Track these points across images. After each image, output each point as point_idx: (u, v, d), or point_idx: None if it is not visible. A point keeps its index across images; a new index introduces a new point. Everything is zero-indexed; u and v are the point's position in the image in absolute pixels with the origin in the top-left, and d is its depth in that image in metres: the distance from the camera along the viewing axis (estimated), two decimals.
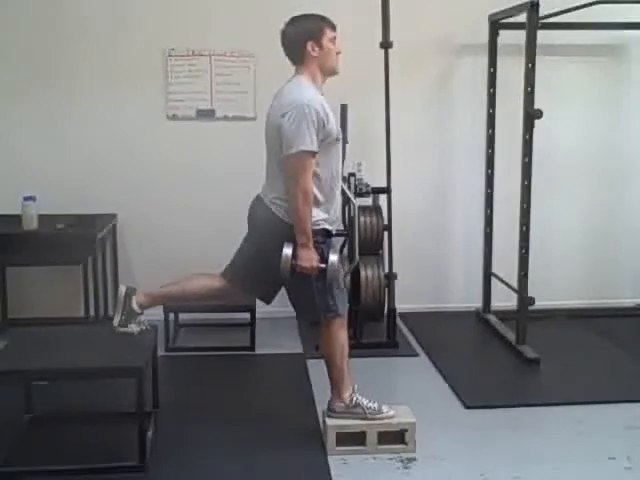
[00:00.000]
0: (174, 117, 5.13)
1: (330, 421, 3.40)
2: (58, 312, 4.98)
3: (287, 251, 3.20)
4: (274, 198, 3.30)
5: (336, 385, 3.43)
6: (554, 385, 4.16)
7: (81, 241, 4.51)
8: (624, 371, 4.35)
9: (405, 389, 4.18)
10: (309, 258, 3.20)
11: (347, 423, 3.38)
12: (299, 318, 3.51)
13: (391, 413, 3.42)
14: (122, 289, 3.56)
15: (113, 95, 5.05)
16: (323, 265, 3.24)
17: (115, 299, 5.04)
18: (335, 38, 3.32)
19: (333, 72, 3.37)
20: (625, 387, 4.10)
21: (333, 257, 3.25)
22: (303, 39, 3.25)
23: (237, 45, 5.07)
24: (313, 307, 3.35)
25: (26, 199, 4.55)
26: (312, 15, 3.36)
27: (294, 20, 3.34)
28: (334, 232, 3.41)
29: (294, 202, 3.15)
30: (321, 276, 3.26)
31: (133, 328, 3.49)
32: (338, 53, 3.34)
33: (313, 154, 3.14)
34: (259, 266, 3.40)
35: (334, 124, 3.25)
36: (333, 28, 3.33)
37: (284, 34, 3.32)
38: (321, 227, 3.29)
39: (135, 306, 3.50)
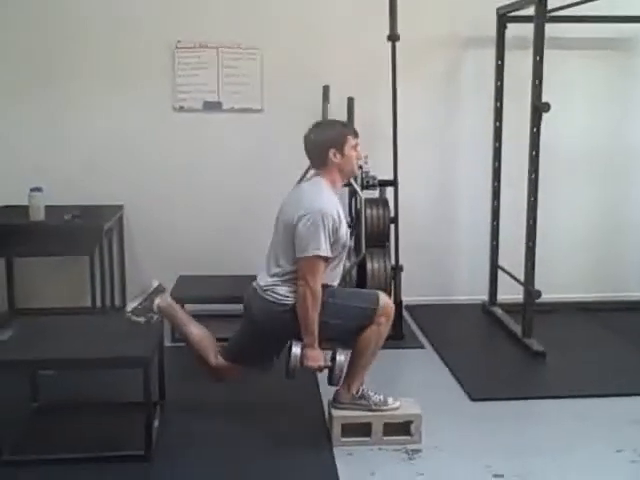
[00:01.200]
0: (181, 109, 5.13)
1: (336, 412, 3.41)
2: (65, 302, 5.00)
3: (295, 350, 3.27)
4: (268, 285, 3.34)
5: (352, 377, 3.43)
6: (560, 378, 4.16)
7: (88, 232, 4.51)
8: (630, 364, 4.34)
9: (411, 381, 4.18)
10: (316, 358, 3.29)
11: (353, 414, 3.39)
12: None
13: (396, 405, 3.43)
14: (155, 283, 3.60)
15: (120, 87, 5.06)
16: (330, 364, 3.32)
17: (122, 290, 5.11)
18: (357, 145, 3.39)
19: (352, 175, 3.58)
20: (631, 380, 4.10)
21: (340, 357, 3.31)
22: (326, 146, 3.32)
23: (244, 37, 5.07)
24: (354, 330, 3.37)
25: (33, 190, 4.55)
26: (335, 122, 3.51)
27: (318, 126, 3.44)
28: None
29: (303, 303, 3.22)
30: (341, 312, 3.32)
31: (140, 320, 3.50)
32: (358, 159, 3.43)
33: (326, 259, 3.23)
34: (259, 346, 3.48)
35: (345, 231, 3.33)
36: (355, 135, 3.41)
37: (308, 139, 3.39)
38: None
39: (155, 305, 3.53)
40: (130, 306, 3.54)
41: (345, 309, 3.34)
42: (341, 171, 3.37)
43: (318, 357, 3.29)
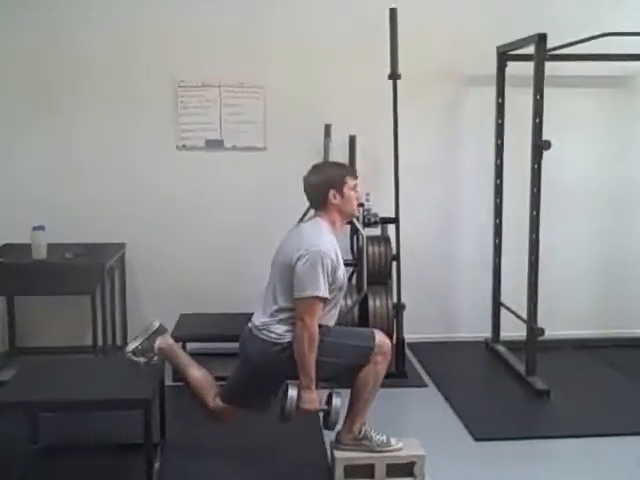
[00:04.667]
0: (183, 147, 5.16)
1: (338, 453, 3.38)
2: (66, 341, 4.98)
3: (292, 393, 3.26)
4: (263, 324, 3.34)
5: (353, 417, 3.40)
6: (564, 417, 4.12)
7: (90, 271, 4.51)
8: (635, 403, 4.31)
9: (414, 421, 4.15)
10: (312, 401, 3.26)
11: (355, 455, 3.37)
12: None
13: (399, 445, 3.40)
14: (156, 324, 3.59)
15: (123, 125, 5.09)
16: (326, 407, 3.30)
17: (124, 329, 5.09)
18: (356, 186, 3.42)
19: (352, 216, 3.57)
20: (637, 419, 4.06)
21: (337, 400, 3.30)
22: (326, 187, 3.34)
23: (246, 76, 5.11)
24: (351, 367, 3.37)
25: (35, 228, 4.56)
26: (334, 164, 3.52)
27: (317, 168, 3.47)
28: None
29: (300, 344, 3.21)
30: (337, 352, 3.32)
31: (141, 360, 3.49)
32: (357, 199, 3.44)
33: (324, 300, 3.23)
34: (256, 387, 3.46)
35: (342, 273, 3.34)
36: (354, 176, 3.44)
37: (307, 181, 3.42)
38: None
39: (155, 345, 3.52)
40: (130, 346, 3.53)
41: (341, 348, 3.33)
42: (341, 212, 3.38)
43: (315, 400, 3.27)
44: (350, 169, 3.51)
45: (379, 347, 3.36)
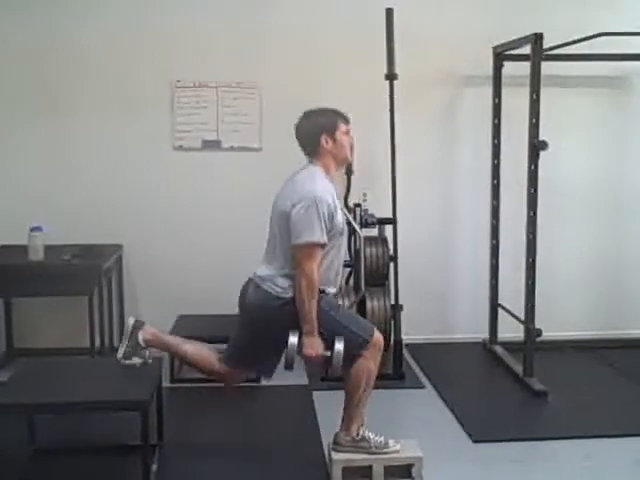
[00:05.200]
0: (180, 148, 5.15)
1: (336, 455, 3.37)
2: (64, 343, 4.98)
3: (293, 340, 3.22)
4: (270, 276, 3.32)
5: (349, 418, 3.39)
6: (562, 418, 4.12)
7: (87, 272, 4.51)
8: (632, 404, 4.31)
9: (412, 422, 4.15)
10: (314, 346, 3.23)
11: (353, 457, 3.36)
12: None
13: (397, 447, 3.40)
14: (130, 321, 3.55)
15: (119, 126, 5.08)
16: (328, 353, 3.25)
17: (121, 330, 5.08)
18: (349, 131, 3.40)
19: (346, 162, 3.51)
20: (634, 420, 4.06)
21: (339, 345, 3.25)
22: (318, 133, 3.32)
23: (243, 76, 5.10)
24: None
25: (33, 230, 4.56)
26: (326, 109, 3.44)
27: (308, 114, 3.43)
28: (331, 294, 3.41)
29: (299, 291, 3.19)
30: (332, 325, 3.27)
31: (136, 360, 3.47)
32: (351, 145, 3.41)
33: (322, 246, 3.20)
34: (258, 346, 3.43)
35: (341, 218, 3.31)
36: (346, 121, 3.41)
37: (298, 128, 3.40)
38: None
39: (141, 340, 3.49)
40: (120, 352, 3.49)
41: (337, 326, 3.29)
42: (334, 157, 3.36)
43: (317, 345, 3.23)
44: (342, 114, 3.41)
45: (376, 340, 3.35)
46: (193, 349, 3.57)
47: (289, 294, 3.25)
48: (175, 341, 3.62)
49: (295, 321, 3.23)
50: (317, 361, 3.26)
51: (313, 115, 3.41)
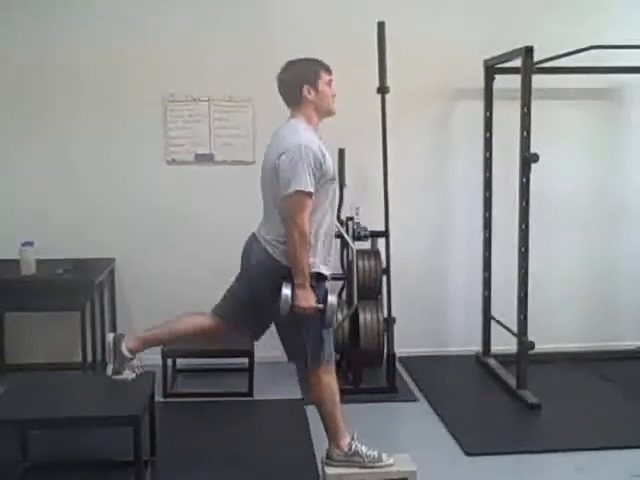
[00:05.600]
0: (173, 161, 5.15)
1: (329, 470, 3.36)
2: (56, 358, 4.97)
3: (286, 291, 3.19)
4: (270, 239, 3.30)
5: (331, 433, 3.39)
6: (555, 431, 4.11)
7: (79, 287, 4.50)
8: (626, 416, 4.31)
9: (405, 436, 4.14)
10: (307, 298, 3.19)
11: (346, 472, 3.35)
12: (290, 361, 3.53)
13: (391, 461, 3.39)
14: (109, 337, 3.54)
15: (112, 140, 5.08)
16: (321, 305, 3.23)
17: (106, 349, 5.07)
18: (331, 81, 3.37)
19: (329, 113, 3.43)
20: (628, 433, 4.06)
21: (332, 298, 3.24)
22: (299, 83, 3.30)
23: (235, 90, 5.11)
24: (303, 353, 3.34)
25: (24, 245, 4.55)
26: (307, 59, 3.41)
27: (289, 65, 3.40)
28: (329, 276, 3.38)
29: (291, 242, 3.16)
30: (316, 321, 3.24)
31: (127, 374, 3.46)
32: (333, 96, 3.38)
33: (310, 195, 3.16)
34: (251, 304, 3.41)
35: (331, 164, 3.28)
36: (328, 71, 3.39)
37: (280, 79, 3.38)
38: (314, 270, 3.27)
39: (125, 352, 3.47)
40: (109, 370, 3.48)
41: (315, 332, 3.29)
42: (317, 108, 3.33)
43: (310, 297, 3.20)
44: (324, 63, 3.39)
45: (330, 363, 3.36)
46: (177, 324, 3.57)
47: (286, 260, 3.23)
48: (157, 331, 3.59)
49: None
50: (309, 313, 3.21)
51: (294, 66, 3.38)
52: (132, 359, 3.49)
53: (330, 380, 3.36)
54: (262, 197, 3.44)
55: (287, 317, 3.22)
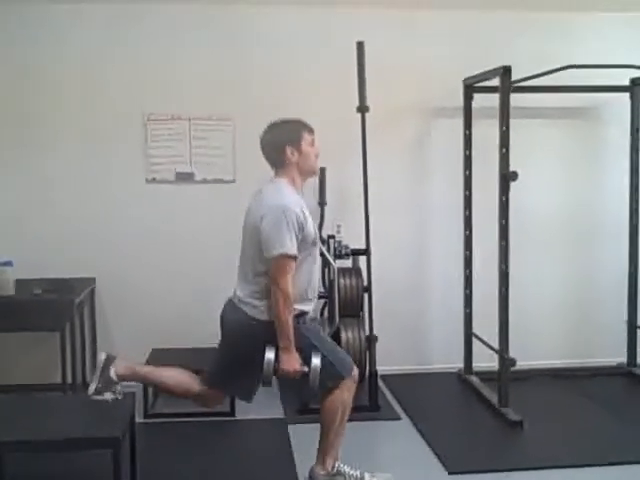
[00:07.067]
0: (153, 180, 5.14)
1: None
2: (35, 379, 4.91)
3: (269, 355, 3.20)
4: (246, 297, 3.30)
5: (324, 452, 3.38)
6: (538, 448, 4.10)
7: (58, 307, 4.46)
8: (608, 432, 4.32)
9: (387, 454, 4.12)
10: (291, 362, 3.21)
11: None
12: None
13: None
14: (102, 356, 3.49)
15: (92, 159, 5.07)
16: (306, 369, 3.23)
17: (94, 365, 5.01)
18: (314, 141, 3.39)
19: (312, 173, 3.49)
20: (610, 449, 4.06)
21: (316, 360, 3.23)
22: (282, 145, 3.32)
23: (215, 109, 5.12)
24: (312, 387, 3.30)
25: (3, 264, 4.51)
26: (290, 120, 3.44)
27: (273, 126, 3.42)
28: (310, 310, 3.39)
29: (275, 305, 3.17)
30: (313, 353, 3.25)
31: (108, 396, 3.42)
32: (316, 155, 3.40)
33: (294, 257, 3.18)
34: (239, 368, 3.39)
35: (312, 229, 3.30)
36: (311, 131, 3.41)
37: (263, 140, 3.39)
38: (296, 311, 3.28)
39: (113, 375, 3.43)
40: (91, 388, 3.42)
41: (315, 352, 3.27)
42: (300, 169, 3.34)
43: (294, 361, 3.20)
44: (306, 124, 3.41)
45: (353, 377, 3.35)
46: (169, 375, 3.52)
47: (265, 316, 3.23)
48: (149, 370, 3.58)
49: (272, 339, 3.20)
50: (294, 377, 3.22)
51: (277, 127, 3.40)
52: (117, 384, 3.46)
53: (348, 398, 3.36)
54: (240, 256, 3.43)
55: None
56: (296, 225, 3.16)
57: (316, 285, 3.43)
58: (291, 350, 3.19)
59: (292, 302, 3.17)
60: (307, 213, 3.26)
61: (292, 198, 3.24)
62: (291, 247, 3.15)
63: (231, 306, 3.36)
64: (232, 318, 3.34)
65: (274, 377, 3.25)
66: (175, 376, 3.52)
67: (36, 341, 4.93)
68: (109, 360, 3.46)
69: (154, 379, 3.55)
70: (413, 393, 4.98)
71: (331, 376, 3.29)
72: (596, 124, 5.47)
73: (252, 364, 3.28)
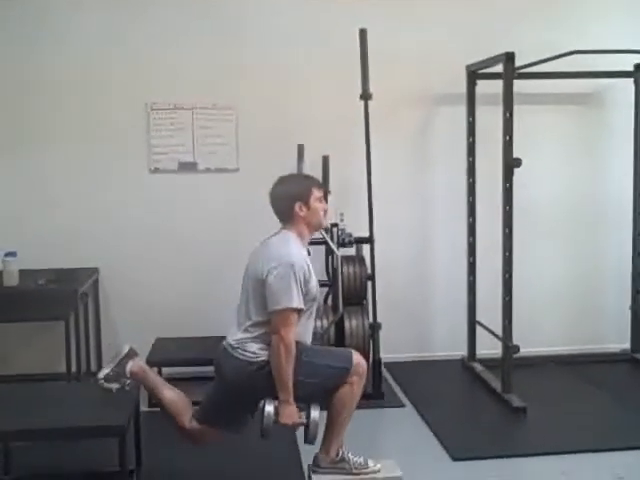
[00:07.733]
0: (156, 170, 5.14)
1: (316, 477, 3.36)
2: (40, 368, 4.93)
3: (269, 408, 3.21)
4: (238, 342, 3.30)
5: (330, 440, 3.38)
6: (542, 434, 4.12)
7: (63, 297, 4.47)
8: (611, 419, 4.33)
9: (391, 441, 4.14)
10: (291, 415, 3.22)
11: (333, 479, 3.34)
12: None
13: (377, 467, 3.40)
14: (126, 348, 3.51)
15: (95, 149, 5.06)
16: (305, 421, 3.25)
17: (98, 355, 5.04)
18: (322, 197, 3.41)
19: (320, 227, 3.52)
20: (613, 435, 4.08)
21: (315, 413, 3.25)
22: (291, 200, 3.33)
23: (218, 98, 5.11)
24: (326, 392, 3.34)
25: (7, 255, 4.52)
26: (299, 176, 3.53)
27: (282, 181, 3.43)
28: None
29: (276, 358, 3.18)
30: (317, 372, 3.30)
31: (114, 386, 3.43)
32: (325, 211, 3.42)
33: (298, 311, 3.20)
34: (231, 407, 3.41)
35: (314, 284, 3.32)
36: (320, 187, 3.43)
37: (273, 195, 3.40)
38: None
39: (127, 370, 3.45)
40: (102, 373, 3.45)
41: (318, 368, 3.31)
42: (308, 224, 3.37)
43: (293, 414, 3.22)
44: (316, 180, 3.49)
45: (355, 368, 3.35)
46: (172, 397, 3.50)
47: (262, 358, 3.25)
48: (159, 383, 3.57)
49: (269, 385, 3.21)
50: (294, 429, 3.30)
51: (287, 182, 3.43)
52: (127, 379, 3.47)
53: (357, 390, 3.37)
54: (240, 301, 3.42)
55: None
56: (302, 280, 3.21)
57: (309, 340, 3.45)
58: (290, 403, 3.21)
59: (293, 355, 3.18)
60: (311, 270, 3.30)
61: (299, 252, 3.28)
62: (298, 301, 3.19)
63: (224, 354, 3.35)
64: (226, 366, 3.34)
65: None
66: (175, 402, 3.49)
67: (40, 331, 4.95)
68: (130, 355, 3.48)
69: (157, 392, 3.52)
70: (417, 380, 4.99)
71: (339, 377, 3.32)
72: (600, 110, 5.45)
73: (247, 404, 3.36)
